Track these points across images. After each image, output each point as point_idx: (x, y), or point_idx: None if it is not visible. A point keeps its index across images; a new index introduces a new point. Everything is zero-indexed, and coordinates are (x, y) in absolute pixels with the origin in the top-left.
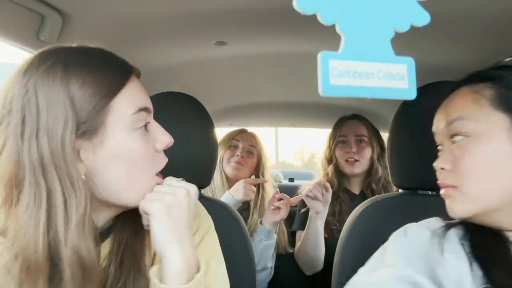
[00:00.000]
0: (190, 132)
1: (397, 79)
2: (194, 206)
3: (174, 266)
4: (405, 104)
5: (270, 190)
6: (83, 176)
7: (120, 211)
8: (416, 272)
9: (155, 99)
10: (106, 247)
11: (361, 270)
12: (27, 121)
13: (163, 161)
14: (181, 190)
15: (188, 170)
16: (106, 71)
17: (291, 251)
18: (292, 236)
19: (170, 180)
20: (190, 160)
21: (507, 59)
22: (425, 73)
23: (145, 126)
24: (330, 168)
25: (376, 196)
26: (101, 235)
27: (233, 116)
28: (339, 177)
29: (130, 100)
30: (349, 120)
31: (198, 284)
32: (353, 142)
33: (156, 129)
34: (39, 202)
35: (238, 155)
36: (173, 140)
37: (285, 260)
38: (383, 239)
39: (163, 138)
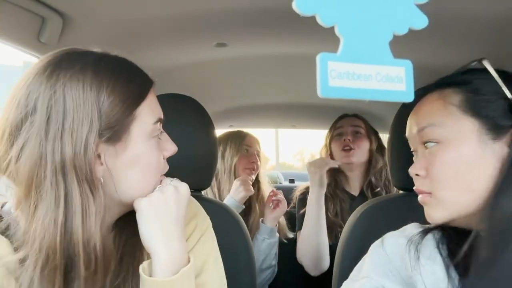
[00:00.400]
0: (191, 134)
1: (395, 82)
2: (185, 202)
3: (160, 260)
4: (405, 106)
5: (267, 189)
6: (102, 179)
7: (129, 210)
8: (391, 281)
9: None
10: None
11: (345, 283)
12: (52, 122)
13: (166, 167)
14: (168, 187)
15: (189, 171)
16: (132, 80)
17: (291, 236)
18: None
19: (164, 181)
20: (190, 162)
21: (473, 63)
22: (424, 75)
23: (159, 135)
24: None
25: (376, 197)
26: None
27: (233, 118)
28: (336, 175)
29: (151, 110)
30: (347, 117)
31: (185, 277)
32: (350, 132)
33: (166, 138)
34: (58, 203)
35: (253, 162)
36: (177, 149)
37: (286, 258)
38: None
39: (170, 147)
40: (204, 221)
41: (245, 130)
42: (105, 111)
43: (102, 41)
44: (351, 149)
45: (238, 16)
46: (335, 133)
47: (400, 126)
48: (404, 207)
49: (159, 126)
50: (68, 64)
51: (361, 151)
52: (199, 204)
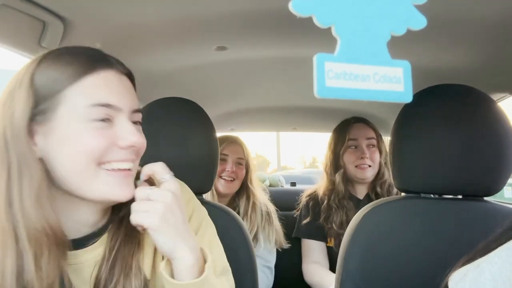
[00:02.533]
0: (191, 137)
1: (393, 82)
2: (183, 200)
3: (186, 263)
4: (407, 108)
5: (260, 196)
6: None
7: (100, 207)
8: None
9: (156, 104)
10: (98, 247)
11: None
12: (7, 101)
13: (119, 156)
14: (167, 194)
15: (189, 175)
16: (71, 61)
17: (286, 247)
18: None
19: (161, 173)
20: (191, 166)
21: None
22: (422, 76)
23: (104, 120)
24: (338, 176)
25: (378, 200)
26: (93, 235)
27: (234, 121)
28: (345, 184)
29: (86, 93)
30: (356, 124)
31: (210, 273)
32: (365, 147)
33: (125, 127)
34: (2, 172)
35: (228, 171)
36: (141, 141)
37: (285, 262)
38: (386, 242)
39: (127, 136)
40: (201, 207)
41: (238, 134)
42: (37, 88)
43: (102, 45)
44: (368, 166)
45: (238, 20)
46: (350, 144)
47: (402, 128)
48: (407, 210)
49: (103, 111)
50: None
51: (375, 165)
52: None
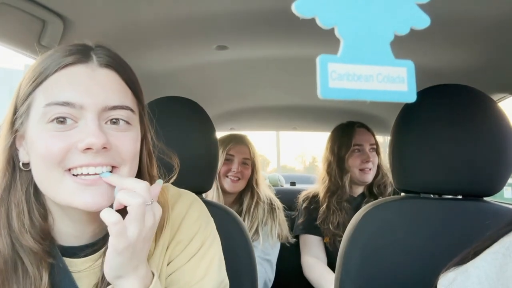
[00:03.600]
0: (191, 137)
1: (397, 82)
2: (157, 224)
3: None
4: (407, 108)
5: (265, 194)
6: (21, 164)
7: (87, 217)
8: None
9: (156, 103)
10: (98, 259)
11: None
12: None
13: (79, 160)
14: (149, 218)
15: (190, 174)
16: (45, 61)
17: (292, 241)
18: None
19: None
20: (191, 164)
21: None
22: (425, 76)
23: (61, 121)
24: (347, 179)
25: (378, 200)
26: (91, 245)
27: (234, 120)
28: (349, 184)
29: (47, 92)
30: (359, 129)
31: None
32: (368, 151)
33: (85, 127)
34: None
35: (234, 171)
36: (99, 142)
37: (287, 258)
38: (386, 242)
39: (85, 137)
40: (208, 225)
41: (243, 133)
42: (17, 96)
43: (102, 44)
44: (369, 169)
45: (239, 19)
46: (355, 149)
47: (401, 128)
48: (407, 210)
49: (58, 109)
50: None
51: (375, 168)
52: (204, 208)
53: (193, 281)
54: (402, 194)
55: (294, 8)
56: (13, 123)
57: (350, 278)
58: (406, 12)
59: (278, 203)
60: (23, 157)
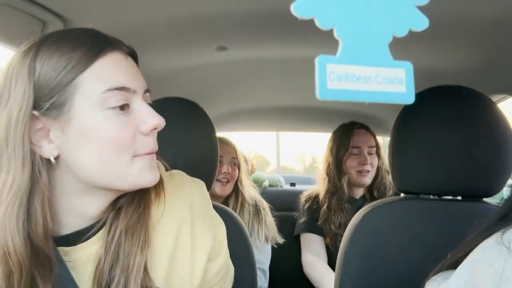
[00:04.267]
0: (191, 137)
1: (396, 84)
2: None
3: None
4: (406, 109)
5: (249, 194)
6: (52, 158)
7: (113, 196)
8: None
9: (155, 104)
10: (95, 243)
11: None
12: (2, 100)
13: (147, 145)
14: None
15: (189, 175)
16: (76, 47)
17: (281, 241)
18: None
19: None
20: (191, 166)
21: None
22: (424, 77)
23: (122, 107)
24: (345, 180)
25: (378, 200)
26: (88, 229)
27: (234, 121)
28: (348, 186)
29: (100, 78)
30: (358, 130)
31: None
32: (367, 154)
33: (143, 110)
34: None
35: (224, 172)
36: (163, 122)
37: (284, 258)
38: (385, 243)
39: (150, 120)
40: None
41: (238, 134)
42: (40, 82)
43: None
44: (367, 171)
45: (239, 20)
46: (353, 151)
47: (401, 129)
48: (406, 210)
49: (120, 95)
50: (20, 49)
51: (373, 170)
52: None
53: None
54: (402, 195)
55: (293, 9)
56: (30, 117)
57: (350, 278)
58: (404, 13)
59: (263, 204)
60: (50, 152)
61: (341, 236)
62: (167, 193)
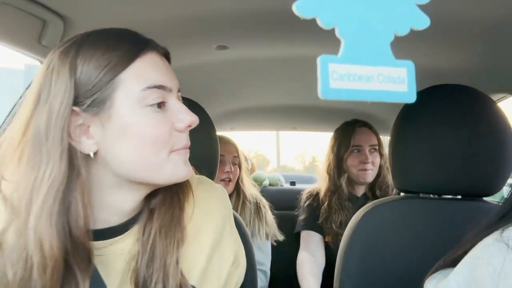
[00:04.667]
0: (191, 136)
1: (397, 83)
2: None
3: None
4: (407, 108)
5: (250, 192)
6: (91, 154)
7: (147, 190)
8: None
9: None
10: (127, 239)
11: None
12: (42, 96)
13: (182, 141)
14: None
15: None
16: (117, 46)
17: (281, 239)
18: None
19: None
20: (191, 165)
21: None
22: (425, 76)
23: (159, 104)
24: (344, 179)
25: (378, 199)
26: (123, 225)
27: (234, 120)
28: (348, 183)
29: (140, 76)
30: (360, 128)
31: None
32: (368, 152)
33: (178, 108)
34: (32, 172)
35: (227, 171)
36: (197, 120)
37: (284, 256)
38: (385, 242)
39: (185, 117)
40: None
41: (238, 133)
42: (82, 79)
43: None
44: (369, 169)
45: (239, 19)
46: (354, 149)
47: (401, 128)
48: (406, 210)
49: (157, 93)
50: (61, 43)
51: (375, 168)
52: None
53: None
54: (402, 194)
55: (294, 8)
56: (70, 113)
57: (350, 277)
58: (406, 12)
59: (263, 202)
60: (89, 147)
61: (341, 235)
62: (200, 195)
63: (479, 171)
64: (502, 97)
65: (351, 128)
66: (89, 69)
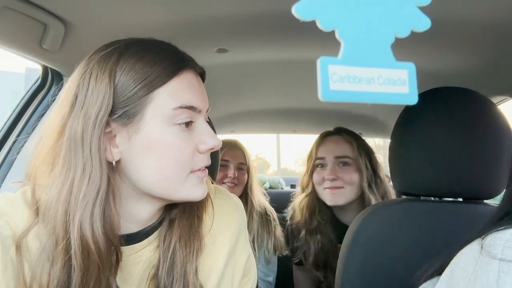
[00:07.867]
0: None
1: (398, 84)
2: None
3: None
4: (407, 110)
5: (259, 202)
6: (114, 162)
7: (164, 203)
8: None
9: None
10: (145, 246)
11: None
12: (78, 99)
13: (201, 162)
14: None
15: None
16: (157, 62)
17: (285, 253)
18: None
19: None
20: None
21: None
22: (426, 78)
23: (187, 124)
24: (303, 200)
25: (378, 202)
26: (142, 233)
27: (234, 123)
28: (319, 209)
29: (174, 95)
30: (329, 137)
31: None
32: (332, 165)
33: (203, 130)
34: (67, 175)
35: (230, 177)
36: (219, 143)
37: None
38: (386, 245)
39: (209, 140)
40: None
41: (238, 136)
42: (118, 89)
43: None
44: (335, 188)
45: (239, 22)
46: (316, 163)
47: (402, 130)
48: (407, 212)
49: (186, 113)
50: (103, 47)
51: (351, 187)
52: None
53: None
54: (403, 196)
55: (294, 11)
56: (106, 121)
57: (350, 281)
58: (406, 14)
59: (273, 214)
60: (113, 156)
61: (322, 281)
62: (218, 205)
63: (479, 174)
64: (503, 100)
65: (320, 137)
66: (126, 80)
